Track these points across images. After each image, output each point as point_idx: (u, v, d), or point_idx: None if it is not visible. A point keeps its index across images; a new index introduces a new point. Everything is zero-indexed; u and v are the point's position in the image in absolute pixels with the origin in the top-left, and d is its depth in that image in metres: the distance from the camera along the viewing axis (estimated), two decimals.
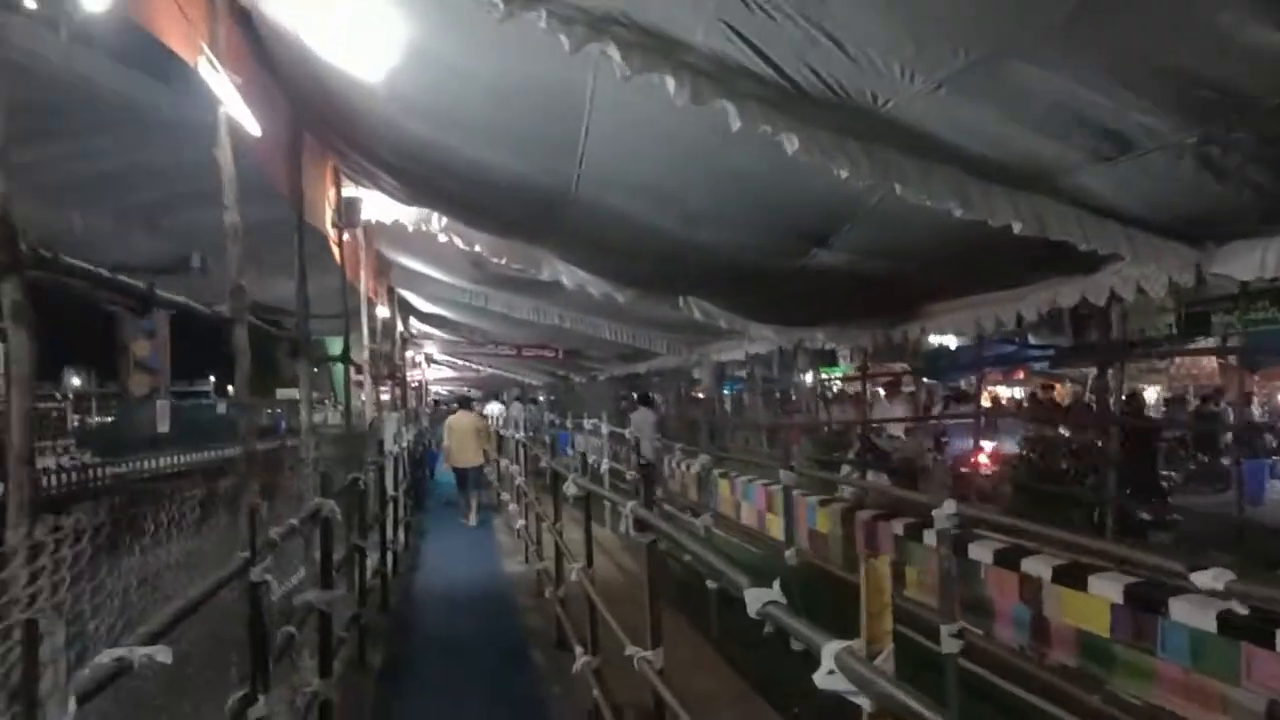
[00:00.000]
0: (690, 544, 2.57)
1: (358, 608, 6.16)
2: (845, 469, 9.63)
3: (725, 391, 18.80)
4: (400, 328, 17.94)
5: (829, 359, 20.64)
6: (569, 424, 18.68)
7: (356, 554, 6.33)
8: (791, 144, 4.21)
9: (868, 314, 8.10)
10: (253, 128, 4.67)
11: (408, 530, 11.53)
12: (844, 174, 4.35)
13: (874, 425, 9.86)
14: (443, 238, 8.73)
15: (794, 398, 15.61)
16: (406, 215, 8.87)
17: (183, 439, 27.61)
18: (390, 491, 9.12)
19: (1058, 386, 22.96)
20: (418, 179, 7.06)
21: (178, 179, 6.74)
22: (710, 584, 6.59)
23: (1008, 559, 5.87)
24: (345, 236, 9.06)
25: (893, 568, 7.30)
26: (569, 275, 8.99)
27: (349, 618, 5.97)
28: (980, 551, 6.14)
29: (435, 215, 8.59)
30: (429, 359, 26.74)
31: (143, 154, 6.34)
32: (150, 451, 25.19)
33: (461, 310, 15.43)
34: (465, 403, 16.00)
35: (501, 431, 14.11)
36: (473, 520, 12.89)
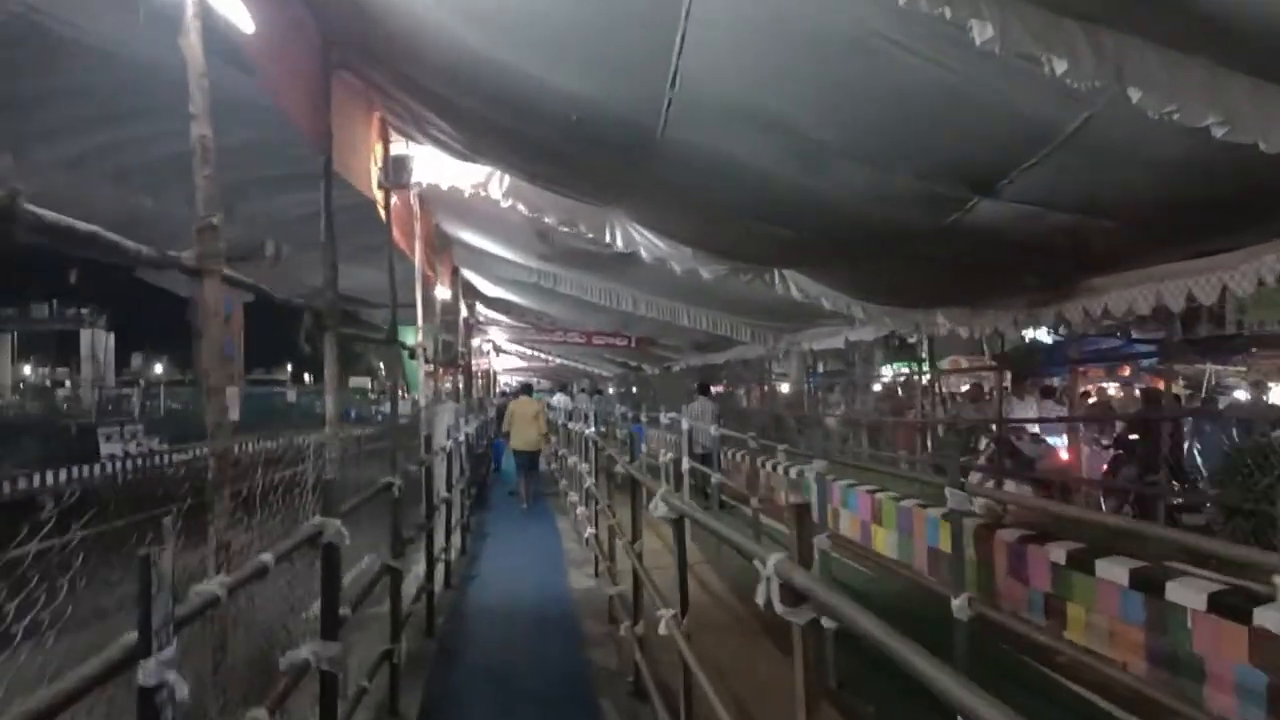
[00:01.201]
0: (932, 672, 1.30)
1: (391, 642, 5.01)
2: (975, 477, 8.21)
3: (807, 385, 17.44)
4: (465, 313, 16.96)
5: (908, 352, 19.09)
6: (643, 417, 17.46)
7: (390, 576, 5.18)
8: (983, 32, 2.93)
9: (1012, 291, 6.65)
10: (243, 21, 3.53)
11: (465, 533, 10.42)
12: (1060, 68, 3.05)
13: (1012, 425, 8.40)
14: (505, 203, 7.60)
15: (899, 393, 14.09)
16: (463, 179, 7.75)
17: (253, 426, 27.44)
18: (443, 493, 7.98)
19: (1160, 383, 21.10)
20: (474, 120, 5.88)
21: (249, 163, 6.72)
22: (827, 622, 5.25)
23: (1228, 606, 4.46)
24: (394, 200, 7.99)
25: (1047, 602, 5.94)
26: (647, 247, 7.76)
27: (378, 656, 4.83)
28: (1185, 594, 4.73)
29: (495, 176, 7.45)
30: (496, 347, 25.84)
31: (216, 136, 6.02)
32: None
33: (529, 293, 14.45)
34: (528, 389, 16.43)
35: (570, 425, 13.01)
36: (524, 504, 13.75)
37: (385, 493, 5.11)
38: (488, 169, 7.51)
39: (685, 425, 11.34)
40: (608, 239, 7.65)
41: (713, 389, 16.63)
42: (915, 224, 5.04)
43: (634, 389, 28.91)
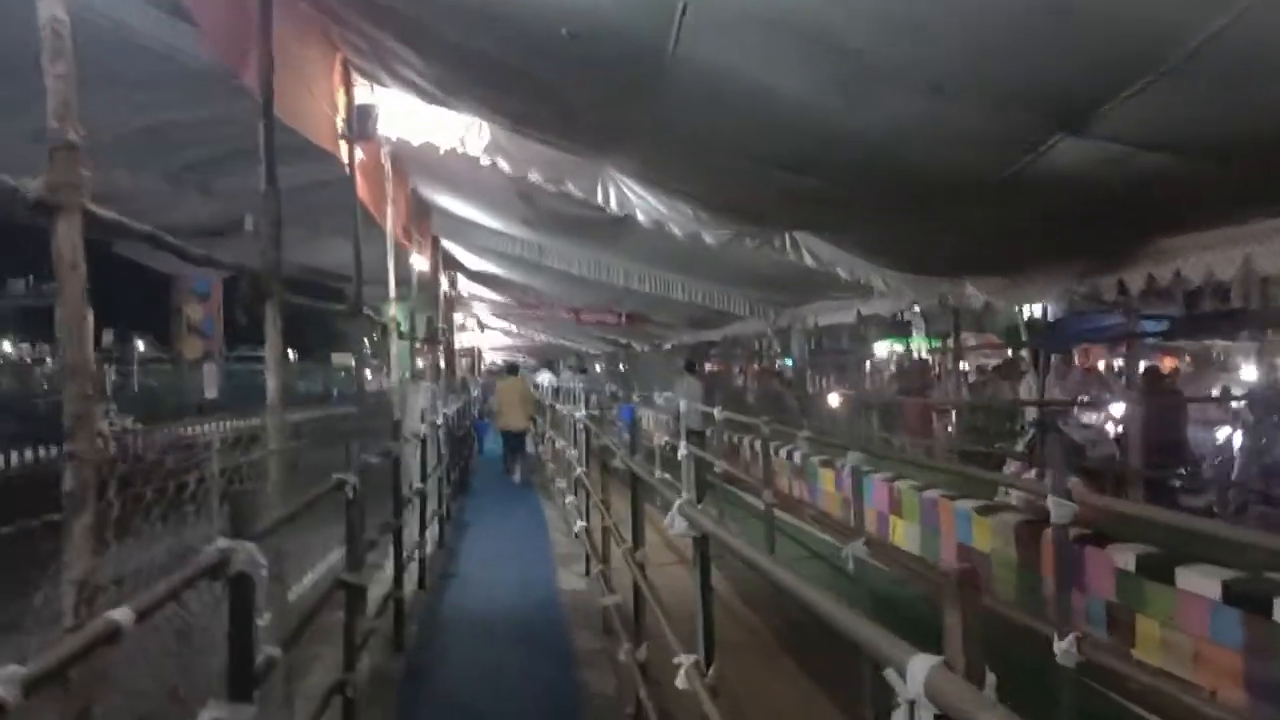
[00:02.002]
0: None
1: (345, 670, 4.20)
2: (1010, 466, 7.44)
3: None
4: (446, 286, 16.06)
5: (902, 329, 18.28)
6: (635, 397, 16.69)
7: (346, 592, 4.35)
8: None
9: (1064, 255, 5.81)
10: None
11: (443, 524, 9.60)
12: None
13: (1056, 409, 7.59)
14: (484, 160, 6.74)
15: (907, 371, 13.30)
16: (439, 134, 6.89)
17: (232, 404, 26.60)
18: (416, 484, 7.15)
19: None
20: (448, 50, 4.99)
21: (227, 136, 6.35)
22: None
23: None
24: (364, 159, 7.11)
25: (1109, 612, 5.18)
26: (644, 208, 6.92)
27: (328, 690, 4.01)
28: None
29: (474, 128, 6.60)
30: (481, 324, 24.97)
31: (189, 109, 5.99)
32: (196, 417, 24.12)
33: (514, 265, 13.56)
34: (513, 369, 16.48)
35: (558, 406, 12.20)
36: (516, 478, 13.94)
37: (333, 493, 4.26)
38: (466, 120, 6.67)
39: (683, 407, 10.52)
40: (599, 199, 6.79)
41: (706, 367, 15.97)
42: (974, 171, 4.20)
43: (623, 366, 28.07)
